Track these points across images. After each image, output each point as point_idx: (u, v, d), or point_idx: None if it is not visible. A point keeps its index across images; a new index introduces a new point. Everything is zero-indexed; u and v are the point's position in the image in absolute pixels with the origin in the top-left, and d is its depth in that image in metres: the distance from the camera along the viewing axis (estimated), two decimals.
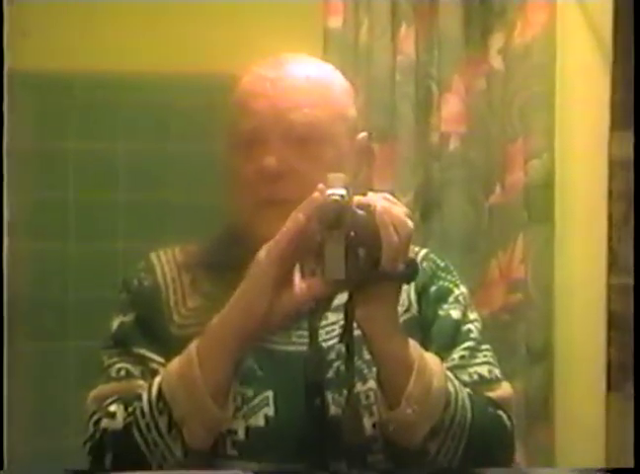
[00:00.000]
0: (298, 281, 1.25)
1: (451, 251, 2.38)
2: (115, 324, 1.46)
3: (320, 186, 1.24)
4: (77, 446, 1.38)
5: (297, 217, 1.23)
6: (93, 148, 2.50)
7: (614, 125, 2.54)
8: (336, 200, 1.21)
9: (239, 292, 1.28)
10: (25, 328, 2.36)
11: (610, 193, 2.58)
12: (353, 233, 1.22)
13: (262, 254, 1.25)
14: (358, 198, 1.25)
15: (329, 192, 1.22)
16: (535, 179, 2.47)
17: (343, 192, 1.22)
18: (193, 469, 1.29)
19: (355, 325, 1.30)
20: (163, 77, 2.48)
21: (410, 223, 1.27)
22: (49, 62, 2.41)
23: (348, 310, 1.29)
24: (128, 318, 1.45)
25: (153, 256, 1.52)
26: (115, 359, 1.42)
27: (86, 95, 2.48)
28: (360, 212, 1.24)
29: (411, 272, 1.29)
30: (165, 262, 1.50)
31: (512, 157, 2.47)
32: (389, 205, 1.26)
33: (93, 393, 1.41)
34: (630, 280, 2.95)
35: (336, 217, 1.21)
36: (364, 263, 1.23)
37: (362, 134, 1.50)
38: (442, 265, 1.53)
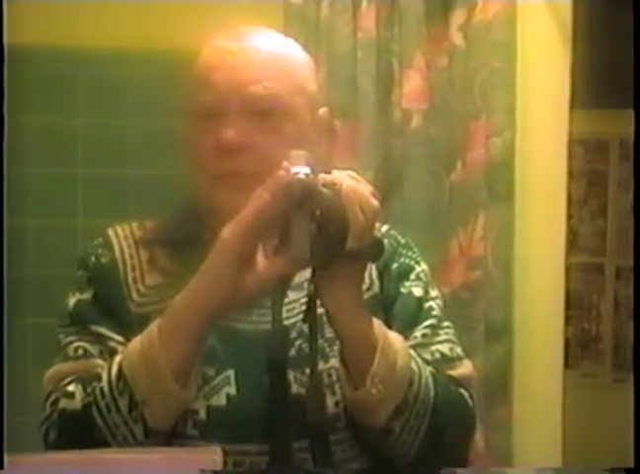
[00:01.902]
0: (262, 260, 1.24)
1: (412, 228, 2.37)
2: (71, 302, 1.44)
3: (285, 164, 1.22)
4: (34, 425, 1.36)
5: (262, 196, 1.22)
6: (51, 123, 2.46)
7: (574, 104, 2.55)
8: (301, 179, 1.20)
9: (202, 271, 1.26)
10: None
11: (570, 172, 2.59)
12: (318, 212, 1.21)
13: (226, 232, 1.23)
14: (323, 177, 1.23)
15: (294, 170, 1.21)
16: (496, 157, 2.48)
17: (307, 170, 1.20)
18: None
19: (317, 303, 1.29)
20: (121, 52, 2.45)
21: (376, 202, 1.25)
22: (7, 36, 2.37)
23: (311, 289, 1.28)
24: (86, 296, 1.43)
25: (111, 232, 1.49)
26: (72, 338, 1.40)
27: (44, 69, 2.45)
28: (326, 191, 1.22)
29: (377, 251, 1.28)
30: (123, 238, 1.48)
31: (473, 134, 2.47)
32: (355, 184, 1.25)
33: (49, 372, 1.39)
34: (589, 259, 2.99)
35: (301, 196, 1.19)
36: (330, 242, 1.22)
37: (323, 109, 1.48)
38: (403, 241, 1.52)
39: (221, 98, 1.38)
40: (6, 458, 0.97)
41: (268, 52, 1.42)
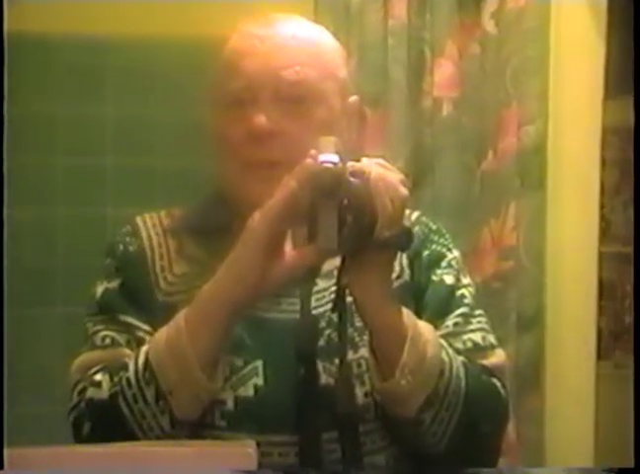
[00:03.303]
0: (290, 250, 1.23)
1: (443, 218, 2.33)
2: (99, 290, 1.43)
3: (312, 152, 1.21)
4: (62, 413, 1.36)
5: (290, 184, 1.20)
6: (80, 112, 2.46)
7: (608, 92, 2.53)
8: (329, 168, 1.18)
9: (230, 260, 1.24)
10: (11, 294, 2.34)
11: (603, 160, 2.57)
12: (346, 201, 1.19)
13: (253, 221, 1.22)
14: (351, 165, 1.21)
15: (321, 158, 1.19)
16: (528, 145, 2.46)
17: (336, 158, 1.19)
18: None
19: (346, 292, 1.28)
20: (151, 40, 2.44)
21: (405, 190, 1.23)
22: (35, 24, 2.36)
23: (340, 278, 1.27)
24: (113, 284, 1.42)
25: (139, 220, 1.48)
26: (99, 327, 1.39)
27: (72, 58, 2.44)
28: (354, 180, 1.20)
29: (405, 240, 1.26)
30: (151, 226, 1.47)
31: (505, 123, 2.45)
32: (384, 172, 1.23)
33: (77, 361, 1.39)
34: (621, 248, 2.95)
35: (329, 185, 1.18)
36: (358, 231, 1.20)
37: (354, 97, 1.47)
38: (435, 228, 1.51)
39: (252, 84, 1.37)
40: (8, 452, 0.95)
41: (298, 38, 1.41)
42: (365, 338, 1.33)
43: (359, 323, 1.33)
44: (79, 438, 1.32)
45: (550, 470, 2.12)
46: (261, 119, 1.35)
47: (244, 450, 0.96)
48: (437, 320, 1.39)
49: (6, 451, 0.93)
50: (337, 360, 1.30)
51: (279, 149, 1.35)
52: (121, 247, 1.45)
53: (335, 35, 1.50)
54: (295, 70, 1.38)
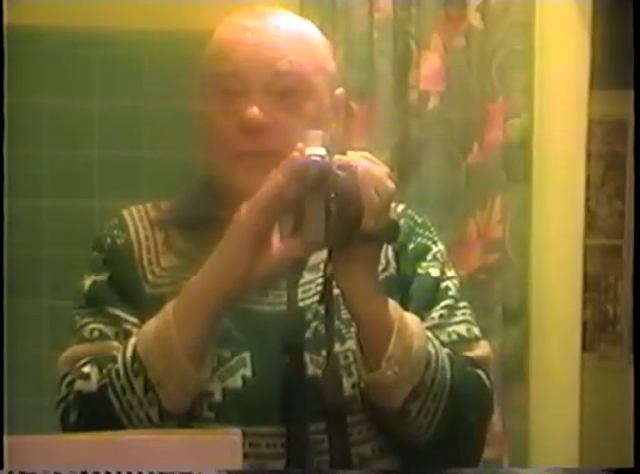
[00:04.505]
0: (277, 242, 1.23)
1: (429, 210, 2.36)
2: (87, 283, 1.43)
3: (300, 145, 1.21)
4: (50, 406, 1.36)
5: (277, 177, 1.21)
6: (66, 105, 2.46)
7: (594, 85, 2.53)
8: (316, 161, 1.19)
9: (217, 252, 1.25)
10: None
11: (588, 153, 2.58)
12: (333, 194, 1.20)
13: (240, 214, 1.23)
14: (338, 158, 1.22)
15: (309, 151, 1.20)
16: (514, 138, 2.47)
17: (322, 151, 1.19)
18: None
19: (333, 285, 1.28)
20: (137, 32, 2.44)
21: (391, 184, 1.24)
22: (20, 17, 2.36)
23: (327, 270, 1.28)
24: (101, 277, 1.42)
25: (126, 213, 1.48)
26: (87, 320, 1.40)
27: (58, 50, 2.44)
28: (341, 173, 1.21)
29: (392, 232, 1.27)
30: (138, 219, 1.47)
31: (491, 116, 2.46)
32: (370, 166, 1.24)
33: (65, 354, 1.39)
34: (606, 241, 2.96)
35: (317, 178, 1.18)
36: (345, 224, 1.21)
37: (340, 90, 1.47)
38: (420, 221, 1.51)
39: (244, 75, 1.36)
40: (7, 440, 0.96)
41: (288, 30, 1.40)
42: (352, 330, 1.33)
43: (345, 315, 1.33)
44: (67, 431, 1.32)
45: (535, 470, 2.13)
46: (253, 111, 1.35)
47: (229, 438, 0.96)
48: (422, 312, 1.39)
49: (6, 451, 0.94)
50: (324, 352, 1.31)
51: (270, 141, 1.35)
52: (109, 240, 1.45)
53: (321, 28, 1.49)
54: (289, 60, 1.37)
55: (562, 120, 2.53)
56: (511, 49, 2.46)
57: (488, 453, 2.24)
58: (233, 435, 0.97)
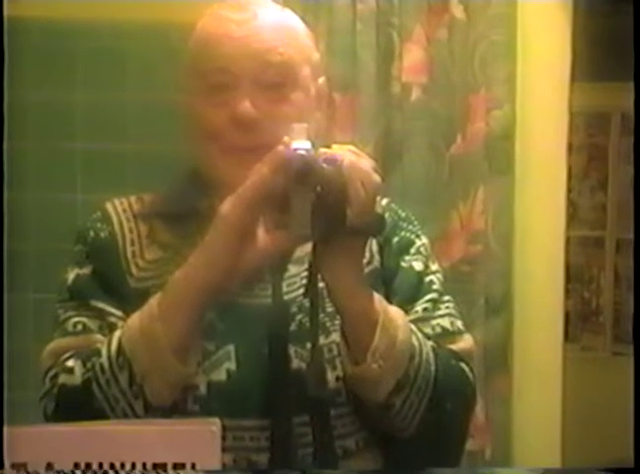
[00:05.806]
0: (263, 235, 1.23)
1: (412, 202, 2.37)
2: (70, 276, 1.42)
3: (285, 139, 1.21)
4: (33, 399, 1.36)
5: (262, 171, 1.21)
6: (50, 97, 2.45)
7: (575, 77, 2.54)
8: (302, 155, 1.19)
9: (202, 246, 1.25)
10: None
11: (570, 145, 2.59)
12: (319, 188, 1.20)
13: (224, 207, 1.23)
14: (324, 152, 1.22)
15: (294, 145, 1.20)
16: (496, 130, 2.48)
17: (308, 145, 1.19)
18: None
19: (317, 278, 1.28)
20: (121, 24, 2.43)
21: (377, 177, 1.24)
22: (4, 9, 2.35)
23: (312, 264, 1.28)
24: (85, 270, 1.42)
25: (109, 206, 1.47)
26: (71, 313, 1.39)
27: (43, 42, 2.43)
28: (327, 167, 1.21)
29: (377, 226, 1.28)
30: (121, 212, 1.46)
31: (473, 107, 2.47)
32: (356, 159, 1.24)
33: (49, 347, 1.38)
34: (588, 232, 2.98)
35: (302, 172, 1.18)
36: (331, 217, 1.21)
37: (322, 79, 1.46)
38: (404, 215, 1.51)
39: (234, 69, 1.35)
40: (6, 430, 0.97)
41: (273, 21, 1.39)
42: (337, 323, 1.33)
43: (330, 308, 1.33)
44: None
45: (516, 470, 2.13)
46: (245, 106, 1.34)
47: (207, 428, 0.97)
48: (406, 305, 1.39)
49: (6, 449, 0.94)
50: (308, 345, 1.30)
51: (263, 135, 1.34)
52: (92, 233, 1.44)
53: (303, 19, 1.48)
54: (279, 52, 1.36)
55: (544, 112, 2.54)
56: (493, 41, 2.46)
57: (471, 445, 2.26)
58: (212, 425, 0.97)
